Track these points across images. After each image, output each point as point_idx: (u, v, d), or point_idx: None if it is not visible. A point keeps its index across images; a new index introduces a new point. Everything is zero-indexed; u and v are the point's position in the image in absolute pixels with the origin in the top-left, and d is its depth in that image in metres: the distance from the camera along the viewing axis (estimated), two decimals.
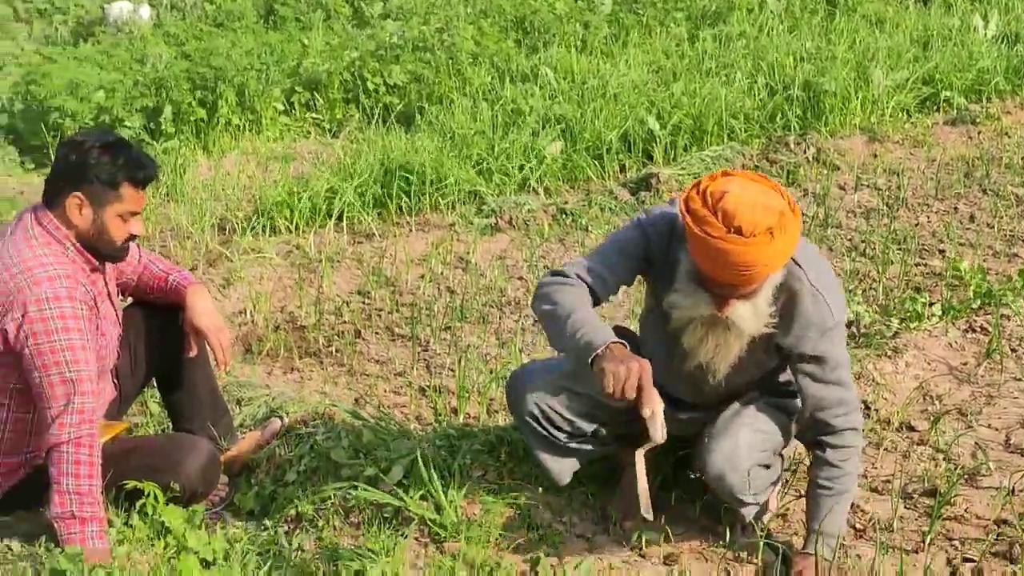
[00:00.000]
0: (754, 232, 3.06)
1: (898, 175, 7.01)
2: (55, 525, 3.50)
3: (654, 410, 3.21)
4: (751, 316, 3.29)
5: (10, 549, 3.54)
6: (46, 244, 3.61)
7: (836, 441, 3.50)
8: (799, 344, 3.40)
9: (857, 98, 7.81)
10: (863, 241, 6.18)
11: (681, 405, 3.65)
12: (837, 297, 3.45)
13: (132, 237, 3.74)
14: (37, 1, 12.35)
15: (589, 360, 3.24)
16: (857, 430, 3.53)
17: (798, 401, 3.57)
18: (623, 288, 3.62)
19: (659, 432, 3.22)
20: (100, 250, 3.69)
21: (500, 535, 3.76)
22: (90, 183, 3.60)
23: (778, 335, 3.40)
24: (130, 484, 3.68)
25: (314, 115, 8.79)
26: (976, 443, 4.25)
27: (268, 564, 3.63)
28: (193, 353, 4.12)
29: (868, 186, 6.92)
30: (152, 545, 3.61)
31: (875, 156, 7.34)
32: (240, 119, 8.49)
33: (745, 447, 3.52)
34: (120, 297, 4.08)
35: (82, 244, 3.66)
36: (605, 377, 3.18)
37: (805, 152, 7.23)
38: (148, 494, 3.64)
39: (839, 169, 7.14)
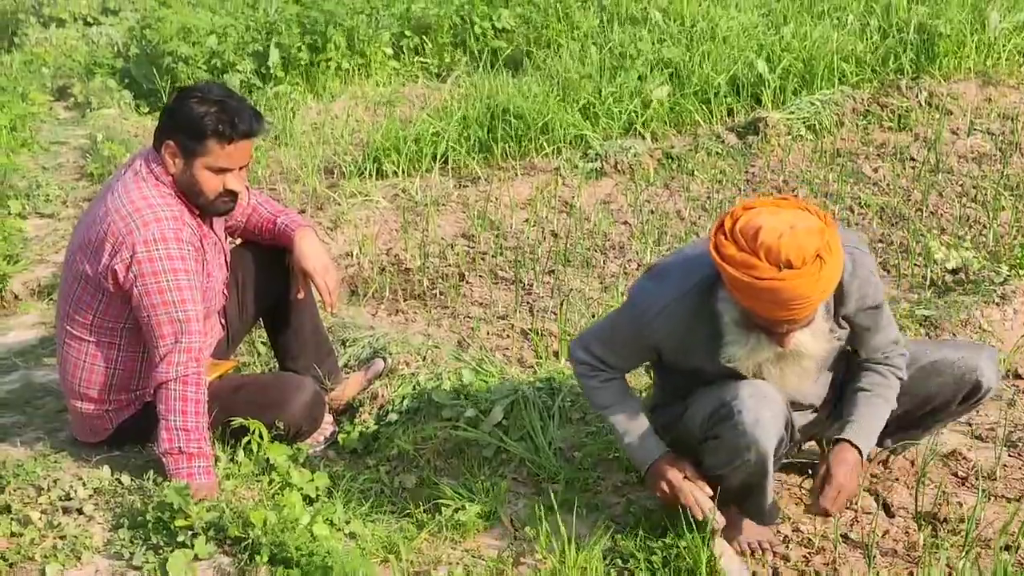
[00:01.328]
0: (804, 261, 2.89)
1: (1012, 120, 6.85)
2: (163, 460, 3.60)
3: (704, 511, 3.29)
4: (815, 339, 3.15)
5: (120, 483, 3.64)
6: (155, 186, 3.69)
7: (886, 361, 3.42)
8: (861, 304, 3.29)
9: (972, 41, 7.63)
10: (974, 187, 6.07)
11: (796, 406, 3.51)
12: (857, 239, 3.33)
13: (231, 193, 3.77)
14: None
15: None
16: (905, 356, 3.44)
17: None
18: None
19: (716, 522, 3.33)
20: (196, 201, 3.75)
21: (598, 477, 3.80)
22: (179, 132, 3.66)
23: (840, 310, 3.30)
24: (236, 421, 3.77)
25: (422, 59, 8.83)
26: None
27: (370, 502, 3.71)
28: (301, 295, 4.19)
29: (981, 131, 6.78)
30: (257, 481, 3.70)
31: (989, 100, 7.18)
32: (349, 63, 8.56)
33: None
34: (229, 239, 4.16)
35: (181, 192, 3.73)
36: (657, 494, 3.37)
37: (917, 96, 7.10)
38: (253, 431, 3.73)
39: (951, 114, 7.00)
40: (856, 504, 3.60)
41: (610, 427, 3.47)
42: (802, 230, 2.91)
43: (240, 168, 3.75)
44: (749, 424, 3.13)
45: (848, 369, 3.51)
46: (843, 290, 3.21)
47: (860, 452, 3.32)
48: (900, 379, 3.43)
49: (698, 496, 3.30)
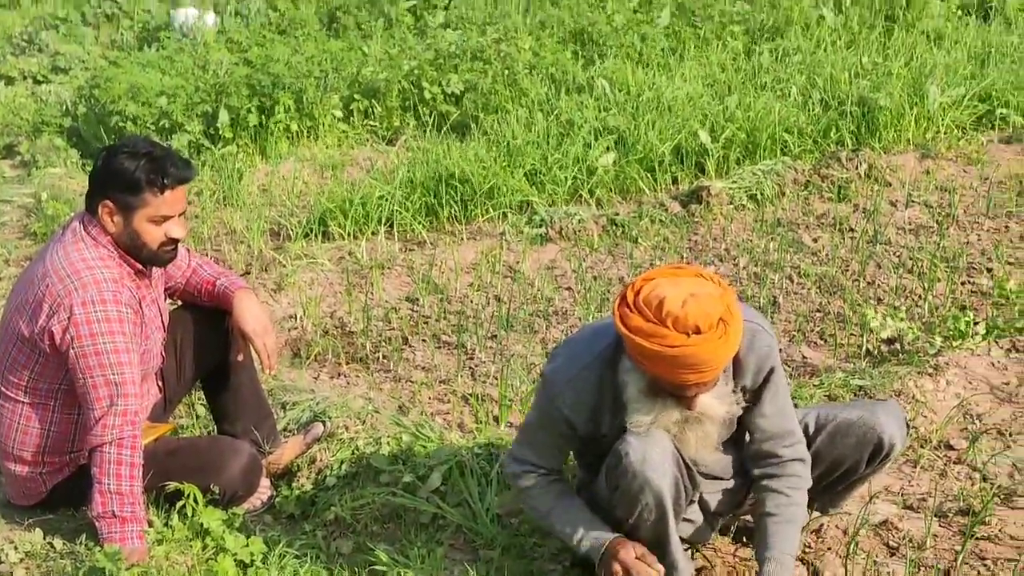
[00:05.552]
0: (710, 326, 2.99)
1: (950, 192, 6.98)
2: (96, 524, 3.58)
3: None
4: (718, 401, 3.23)
5: (52, 546, 3.63)
6: (94, 247, 3.71)
7: (783, 471, 3.45)
8: (757, 378, 3.37)
9: (912, 114, 7.78)
10: (911, 258, 6.17)
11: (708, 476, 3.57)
12: (762, 318, 3.43)
13: (173, 241, 3.79)
14: (105, 6, 12.56)
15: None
16: (804, 461, 3.47)
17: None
18: None
19: None
20: (139, 255, 3.76)
21: (535, 544, 3.81)
22: (114, 189, 3.68)
23: (739, 383, 3.36)
24: (171, 485, 3.76)
25: (371, 123, 8.88)
26: (1014, 463, 4.24)
27: (306, 567, 3.70)
28: (240, 357, 4.20)
29: (919, 203, 6.90)
30: (191, 546, 3.68)
31: (927, 173, 7.31)
32: (298, 125, 8.59)
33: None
34: (168, 300, 4.17)
35: (123, 249, 3.74)
36: None
37: (857, 168, 7.21)
38: (188, 495, 3.72)
39: (891, 185, 7.12)
40: None
41: (557, 531, 3.47)
42: (703, 297, 3.02)
43: (179, 215, 3.78)
44: (637, 463, 3.19)
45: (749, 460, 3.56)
46: (741, 362, 3.29)
47: None
48: (804, 487, 3.48)
49: (651, 573, 3.31)
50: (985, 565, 3.72)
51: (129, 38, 11.66)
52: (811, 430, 3.59)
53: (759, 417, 3.44)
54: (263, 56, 9.05)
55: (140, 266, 3.82)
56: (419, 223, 6.96)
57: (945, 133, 7.77)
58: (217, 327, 4.20)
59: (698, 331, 2.99)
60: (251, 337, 4.10)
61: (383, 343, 5.61)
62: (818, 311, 5.70)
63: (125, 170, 3.66)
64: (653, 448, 3.22)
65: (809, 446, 3.55)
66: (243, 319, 4.10)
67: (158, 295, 4.00)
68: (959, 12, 10.18)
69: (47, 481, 3.86)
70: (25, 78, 10.71)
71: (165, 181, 3.68)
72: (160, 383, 4.13)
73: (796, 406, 3.67)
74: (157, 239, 3.75)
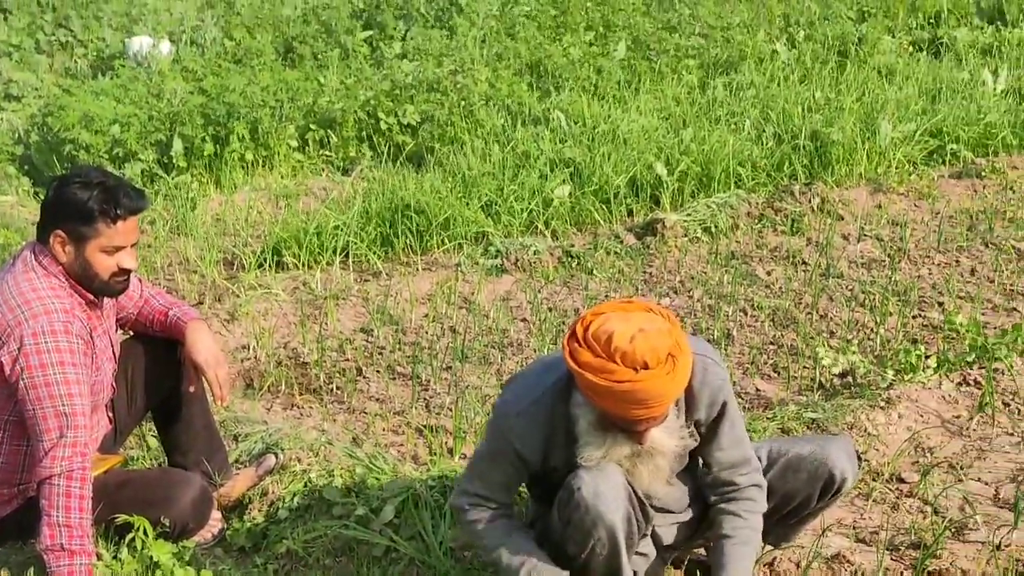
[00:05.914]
0: (659, 361, 3.01)
1: (901, 227, 7.05)
2: (44, 557, 3.53)
3: None
4: (668, 435, 3.25)
5: None
6: (44, 277, 3.67)
7: (740, 496, 3.48)
8: (711, 412, 3.39)
9: (864, 149, 7.86)
10: (863, 292, 6.21)
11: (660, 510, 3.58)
12: (714, 351, 3.45)
13: (125, 271, 3.77)
14: (59, 33, 12.47)
15: None
16: (761, 487, 3.50)
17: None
18: None
19: None
20: (91, 285, 3.74)
21: None
22: (66, 220, 3.66)
23: (692, 417, 3.38)
24: (121, 518, 3.72)
25: (327, 153, 8.86)
26: (965, 497, 4.27)
27: None
28: (192, 388, 4.17)
29: (871, 237, 6.96)
30: None
31: (879, 207, 7.38)
32: (253, 155, 8.56)
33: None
34: (120, 331, 4.13)
35: (74, 279, 3.71)
36: None
37: (810, 202, 7.28)
38: (138, 528, 3.68)
39: (843, 219, 7.18)
40: None
41: (503, 566, 3.44)
42: (652, 332, 3.04)
43: (131, 245, 3.75)
44: (589, 497, 3.20)
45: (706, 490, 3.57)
46: (694, 396, 3.31)
47: None
48: (760, 511, 3.50)
49: None
50: None
51: (83, 66, 11.57)
52: (763, 463, 3.60)
53: (716, 450, 3.46)
54: (218, 85, 9.02)
55: (92, 296, 3.79)
56: (374, 254, 6.95)
57: (897, 168, 7.85)
58: (169, 358, 4.17)
59: (646, 367, 3.01)
60: (203, 368, 4.07)
61: (337, 374, 5.59)
62: (771, 344, 5.73)
63: (77, 200, 3.63)
64: (605, 482, 3.22)
65: None
66: (195, 350, 4.07)
67: (109, 326, 3.97)
68: (911, 49, 10.31)
69: None
70: None
71: (118, 211, 3.65)
72: (111, 414, 4.09)
73: (750, 439, 3.69)
74: (109, 269, 3.73)
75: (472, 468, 3.56)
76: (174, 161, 8.33)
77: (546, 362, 3.48)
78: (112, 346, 3.98)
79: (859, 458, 3.71)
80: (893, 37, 10.45)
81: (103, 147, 8.27)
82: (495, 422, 3.42)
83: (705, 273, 6.56)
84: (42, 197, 3.90)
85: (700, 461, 3.55)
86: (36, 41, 12.33)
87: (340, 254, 6.93)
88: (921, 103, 8.59)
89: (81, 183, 3.67)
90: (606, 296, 6.32)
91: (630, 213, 7.52)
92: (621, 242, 6.97)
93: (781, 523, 3.70)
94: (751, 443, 3.59)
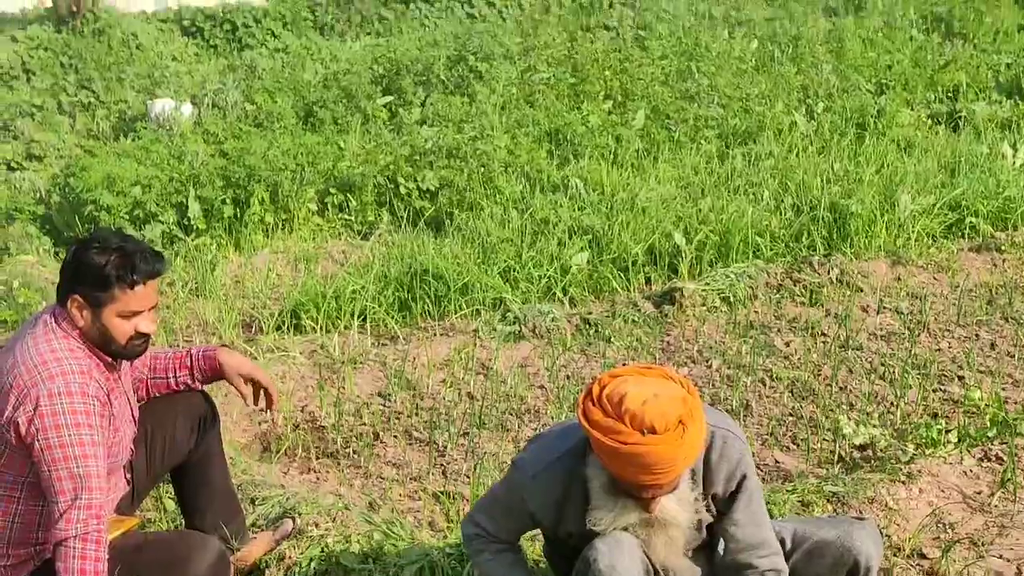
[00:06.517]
0: (667, 427, 3.00)
1: (921, 299, 7.03)
2: None
3: None
4: (680, 506, 3.25)
5: None
6: (64, 339, 3.69)
7: None
8: (729, 486, 3.37)
9: (883, 221, 7.86)
10: (883, 364, 6.19)
11: None
12: (734, 425, 3.44)
13: (143, 336, 3.77)
14: (81, 95, 12.59)
15: None
16: (780, 573, 3.45)
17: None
18: None
19: None
20: (108, 349, 3.74)
21: None
22: (84, 284, 3.68)
23: (709, 490, 3.37)
24: None
25: (346, 216, 8.89)
26: (987, 574, 4.23)
27: None
28: (251, 401, 4.23)
29: (890, 309, 6.94)
30: None
31: (898, 280, 7.38)
32: (273, 218, 8.60)
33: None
34: (136, 396, 4.13)
35: (92, 343, 3.72)
36: None
37: (829, 273, 7.27)
38: None
39: (862, 291, 7.17)
40: None
41: None
42: (665, 398, 3.04)
43: (150, 309, 3.76)
44: (606, 570, 3.18)
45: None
46: (711, 469, 3.29)
47: None
48: None
49: None
50: None
51: (105, 127, 11.67)
52: (787, 546, 3.57)
53: (732, 526, 3.42)
54: (239, 148, 9.09)
55: (110, 359, 3.79)
56: (392, 318, 6.95)
57: (916, 240, 7.84)
58: (188, 420, 4.17)
59: (654, 431, 3.01)
60: (257, 376, 4.16)
61: (354, 439, 5.57)
62: (790, 415, 5.71)
63: (95, 265, 3.66)
64: (622, 555, 3.20)
65: (785, 561, 3.53)
66: (241, 365, 4.18)
67: (128, 388, 3.97)
68: (929, 121, 10.33)
69: (11, 575, 3.79)
70: None
71: (135, 276, 3.67)
72: (128, 476, 4.08)
73: (771, 515, 3.66)
74: (126, 334, 3.74)
75: (486, 503, 3.59)
76: (194, 223, 8.37)
77: (567, 425, 3.49)
78: (131, 408, 3.98)
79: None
80: (912, 110, 10.49)
81: (124, 208, 8.32)
82: (512, 478, 3.44)
83: (723, 343, 6.54)
84: (62, 257, 3.92)
85: (719, 541, 3.51)
86: (59, 102, 12.46)
87: (358, 318, 6.93)
88: (940, 176, 8.60)
89: (99, 248, 3.69)
90: (623, 365, 6.29)
91: (648, 281, 7.52)
92: (639, 310, 6.97)
93: None
94: (774, 522, 3.56)
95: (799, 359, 6.30)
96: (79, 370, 3.64)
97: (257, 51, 15.34)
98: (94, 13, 15.32)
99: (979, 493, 4.85)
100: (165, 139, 10.00)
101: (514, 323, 6.83)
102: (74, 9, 15.44)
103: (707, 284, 7.16)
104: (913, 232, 7.88)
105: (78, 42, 14.64)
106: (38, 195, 9.14)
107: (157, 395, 4.20)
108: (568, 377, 6.18)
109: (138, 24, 15.61)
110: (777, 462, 5.26)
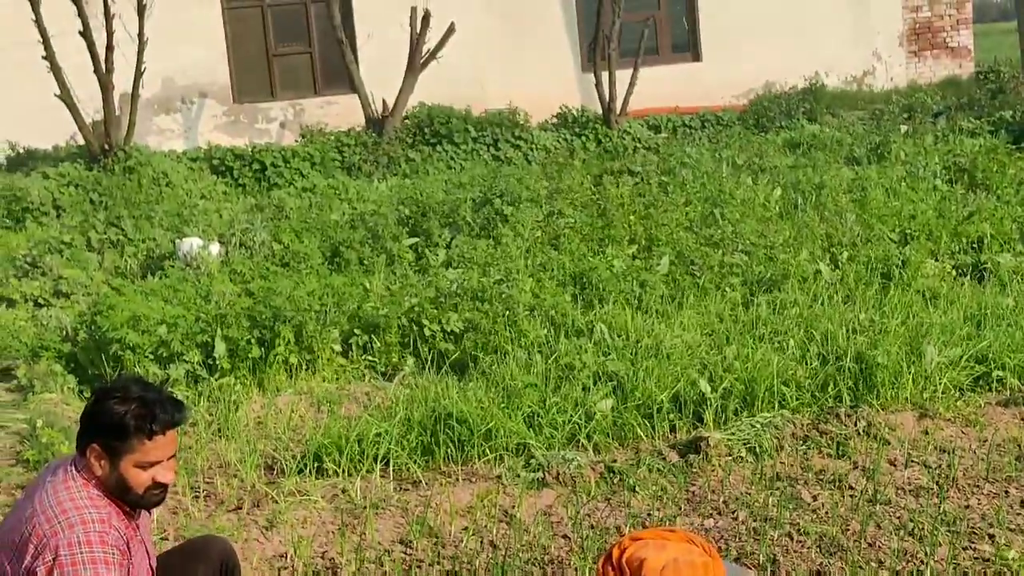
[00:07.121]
0: None
1: (949, 454, 6.95)
2: None
3: None
4: None
5: None
6: (83, 486, 3.68)
7: None
8: None
9: (909, 373, 7.81)
10: (911, 520, 6.10)
11: None
12: None
13: (161, 485, 3.76)
14: (110, 232, 12.75)
15: None
16: None
17: None
18: None
19: None
20: (126, 498, 3.72)
21: None
22: (102, 434, 3.68)
23: None
24: None
25: (370, 358, 8.89)
26: None
27: None
28: None
29: (918, 463, 6.86)
30: None
31: (926, 433, 7.30)
32: (297, 358, 8.61)
33: None
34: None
35: (110, 492, 3.71)
36: None
37: (856, 424, 7.21)
38: None
39: (889, 444, 7.09)
40: None
41: None
42: (684, 564, 3.02)
43: (168, 458, 3.75)
44: None
45: None
46: None
47: None
48: None
49: None
50: None
51: (133, 265, 11.79)
52: None
53: None
54: (265, 288, 9.15)
55: (128, 508, 3.77)
56: (415, 462, 6.91)
57: (943, 393, 7.78)
58: (210, 568, 4.12)
59: None
60: None
61: None
62: (819, 571, 5.61)
63: (113, 414, 3.67)
64: None
65: None
66: None
67: (147, 536, 3.95)
68: (953, 273, 10.33)
69: None
70: (26, 301, 10.77)
71: (153, 427, 3.68)
72: None
73: None
74: (143, 483, 3.73)
75: None
76: (219, 363, 8.38)
77: None
78: (149, 557, 3.94)
79: None
80: (936, 260, 10.50)
81: (149, 347, 8.34)
82: None
83: (749, 494, 6.47)
84: (87, 396, 3.93)
85: None
86: (88, 239, 12.62)
87: (380, 462, 6.89)
88: (966, 328, 8.56)
89: (119, 397, 3.69)
90: (648, 515, 6.23)
91: (673, 429, 7.47)
92: (664, 459, 6.91)
93: None
94: None
95: (827, 513, 6.21)
96: (99, 518, 3.63)
97: (285, 190, 15.60)
98: (125, 151, 15.63)
99: None
100: (192, 278, 10.09)
101: (537, 470, 6.78)
102: (106, 147, 15.75)
103: (732, 434, 7.11)
104: (940, 384, 7.82)
105: (109, 180, 14.91)
106: (64, 332, 9.18)
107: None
108: (592, 527, 6.11)
109: (168, 162, 15.91)
110: None
